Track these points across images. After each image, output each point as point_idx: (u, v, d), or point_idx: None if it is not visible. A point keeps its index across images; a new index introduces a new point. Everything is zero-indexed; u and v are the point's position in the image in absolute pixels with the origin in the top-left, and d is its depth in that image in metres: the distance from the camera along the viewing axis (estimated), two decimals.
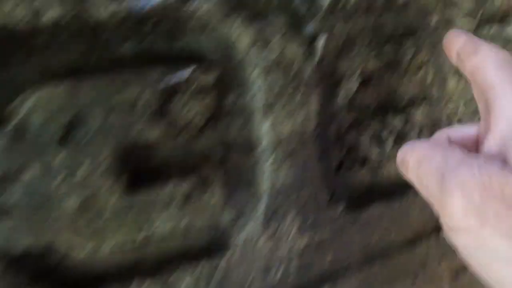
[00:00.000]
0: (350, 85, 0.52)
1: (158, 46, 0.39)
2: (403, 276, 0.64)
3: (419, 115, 0.60)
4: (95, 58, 0.36)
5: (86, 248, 0.41)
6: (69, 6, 0.33)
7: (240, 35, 0.40)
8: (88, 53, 0.36)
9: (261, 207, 0.50)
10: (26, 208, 0.36)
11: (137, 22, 0.36)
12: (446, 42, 0.33)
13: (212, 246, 0.50)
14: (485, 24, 0.59)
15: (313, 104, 0.46)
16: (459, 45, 0.31)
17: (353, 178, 0.57)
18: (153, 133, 0.39)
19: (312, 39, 0.45)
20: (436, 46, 0.58)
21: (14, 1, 0.31)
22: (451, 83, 0.61)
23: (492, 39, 0.61)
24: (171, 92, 0.39)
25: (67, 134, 0.36)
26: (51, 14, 0.33)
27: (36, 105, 0.34)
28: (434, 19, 0.55)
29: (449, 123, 0.63)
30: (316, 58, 0.45)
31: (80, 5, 0.33)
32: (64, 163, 0.36)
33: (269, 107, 0.44)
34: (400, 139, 0.61)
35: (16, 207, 0.36)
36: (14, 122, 0.34)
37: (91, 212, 0.39)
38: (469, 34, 0.32)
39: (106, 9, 0.34)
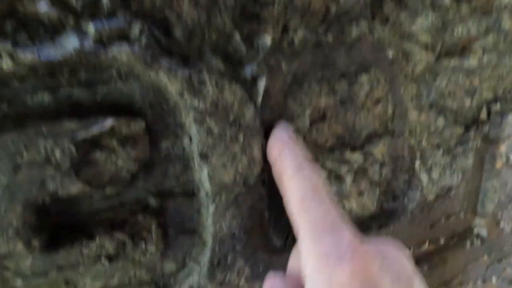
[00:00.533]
0: (301, 124, 0.49)
1: (77, 95, 0.36)
2: None
3: (379, 150, 0.58)
4: (6, 111, 0.33)
5: None
6: None
7: (169, 81, 0.37)
8: None
9: (206, 256, 0.46)
10: None
11: (50, 71, 0.34)
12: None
13: None
14: (445, 56, 0.57)
15: (256, 149, 0.43)
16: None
17: None
18: (74, 187, 0.36)
19: (253, 81, 0.42)
20: (394, 80, 0.56)
21: None
22: (412, 116, 0.59)
23: (453, 71, 0.59)
24: (93, 143, 0.36)
25: None
26: None
27: None
28: (390, 53, 0.53)
29: (412, 157, 0.60)
30: (258, 101, 0.43)
31: None
32: None
33: (206, 154, 0.41)
34: (360, 175, 0.58)
35: None
36: None
37: (4, 280, 0.35)
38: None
39: (11, 59, 0.31)
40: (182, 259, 0.46)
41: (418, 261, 0.64)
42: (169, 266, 0.45)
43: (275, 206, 0.50)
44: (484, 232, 0.70)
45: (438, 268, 0.67)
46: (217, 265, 0.46)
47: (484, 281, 0.74)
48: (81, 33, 0.33)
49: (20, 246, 0.34)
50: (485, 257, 0.72)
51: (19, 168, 0.33)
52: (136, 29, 0.35)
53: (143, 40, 0.35)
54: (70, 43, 0.32)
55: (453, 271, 0.68)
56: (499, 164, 0.65)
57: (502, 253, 0.75)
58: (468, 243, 0.69)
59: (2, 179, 0.33)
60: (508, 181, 0.68)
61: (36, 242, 0.35)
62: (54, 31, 0.32)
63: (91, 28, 0.33)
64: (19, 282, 0.36)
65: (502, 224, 0.72)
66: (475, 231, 0.70)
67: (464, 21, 0.56)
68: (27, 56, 0.32)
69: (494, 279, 0.75)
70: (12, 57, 0.31)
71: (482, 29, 0.58)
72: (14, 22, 0.31)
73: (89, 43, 0.33)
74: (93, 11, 0.33)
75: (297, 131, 0.49)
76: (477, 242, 0.70)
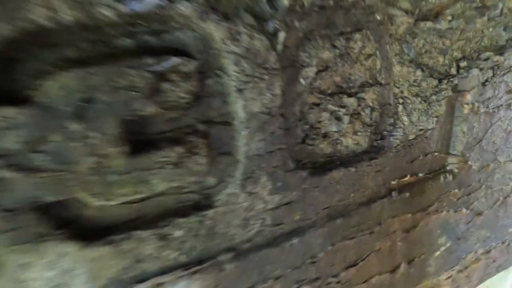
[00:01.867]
0: (309, 73, 0.63)
1: (149, 41, 0.49)
2: (361, 231, 0.76)
3: (370, 96, 0.72)
4: (102, 50, 0.46)
5: (97, 203, 0.51)
6: (80, 8, 0.43)
7: (215, 31, 0.50)
8: (95, 46, 0.46)
9: (238, 172, 0.61)
10: (50, 169, 0.46)
11: (133, 21, 0.47)
12: None
13: (199, 205, 0.60)
14: (422, 20, 0.71)
15: (277, 87, 0.57)
16: None
17: (316, 149, 0.69)
18: (150, 108, 0.50)
19: (275, 34, 0.56)
20: (381, 39, 0.70)
21: (34, 4, 0.41)
22: (396, 69, 0.73)
23: (428, 33, 0.73)
24: (162, 77, 0.50)
25: (80, 110, 0.46)
26: (66, 16, 0.43)
27: (54, 87, 0.44)
28: (378, 16, 0.67)
29: (395, 103, 0.75)
30: (278, 49, 0.56)
31: (89, 7, 0.43)
32: (79, 133, 0.46)
33: (240, 89, 0.54)
34: (355, 117, 0.72)
35: (42, 168, 0.46)
36: (36, 101, 0.44)
37: (102, 173, 0.49)
38: None
39: (110, 11, 0.44)
40: (220, 175, 0.60)
41: (401, 190, 0.80)
42: (210, 180, 0.60)
43: (290, 136, 0.64)
44: (455, 169, 0.86)
45: (417, 197, 0.82)
46: (247, 179, 0.61)
47: (455, 211, 0.90)
48: None
49: (116, 150, 0.48)
50: (456, 191, 0.88)
51: (115, 91, 0.46)
52: None
53: (198, 0, 0.48)
54: (150, 1, 0.45)
55: (429, 200, 0.84)
56: (466, 110, 0.80)
57: (470, 188, 0.91)
58: (442, 178, 0.85)
59: (104, 98, 0.46)
60: (474, 126, 0.84)
61: (126, 149, 0.49)
62: None
63: None
64: (114, 177, 0.49)
65: (470, 163, 0.87)
66: (448, 168, 0.85)
67: None
68: (121, 7, 0.45)
69: (464, 210, 0.91)
70: (112, 7, 0.44)
71: None
72: None
73: (162, 1, 0.46)
74: None
75: (307, 78, 0.63)
76: (449, 177, 0.86)
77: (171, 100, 0.52)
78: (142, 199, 0.54)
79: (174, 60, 0.50)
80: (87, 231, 0.52)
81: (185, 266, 0.59)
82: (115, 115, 0.48)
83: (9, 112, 0.42)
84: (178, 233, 0.57)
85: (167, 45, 0.50)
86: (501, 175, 0.94)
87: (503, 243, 1.05)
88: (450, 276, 0.96)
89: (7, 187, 0.45)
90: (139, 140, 0.52)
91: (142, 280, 0.57)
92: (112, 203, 0.51)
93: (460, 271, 0.98)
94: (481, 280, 1.07)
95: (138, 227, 0.54)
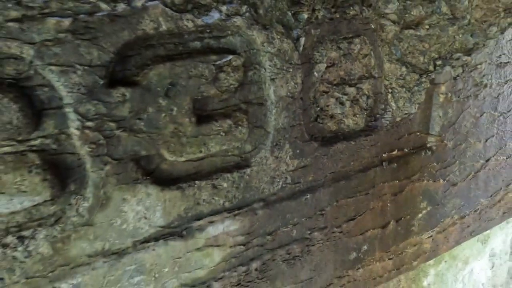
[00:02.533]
0: (321, 67, 0.84)
1: (211, 43, 0.70)
2: (359, 192, 0.97)
3: (366, 87, 0.93)
4: (181, 50, 0.67)
5: (172, 158, 0.71)
6: (172, 22, 0.63)
7: (257, 37, 0.71)
8: (177, 47, 0.67)
9: (268, 141, 0.81)
10: (146, 131, 0.66)
11: (201, 30, 0.67)
12: None
13: (239, 164, 0.81)
14: (406, 28, 0.93)
15: (298, 78, 0.78)
16: None
17: (325, 126, 0.90)
18: (212, 90, 0.70)
19: (297, 39, 0.76)
20: (375, 43, 0.91)
21: (146, 19, 0.61)
22: (386, 66, 0.94)
23: (411, 38, 0.94)
24: (220, 69, 0.70)
25: (168, 91, 0.66)
26: (163, 26, 0.63)
27: (152, 74, 0.65)
28: (372, 25, 0.88)
29: (386, 92, 0.96)
30: (300, 50, 0.77)
31: (179, 21, 0.64)
32: (166, 107, 0.67)
33: (273, 78, 0.75)
34: (354, 102, 0.93)
35: (141, 130, 0.66)
36: (141, 84, 0.64)
37: (178, 136, 0.69)
38: None
39: (191, 23, 0.65)
40: (255, 143, 0.80)
41: (390, 161, 1.01)
42: (248, 147, 0.80)
43: (306, 115, 0.85)
44: (433, 147, 1.07)
45: (403, 167, 1.03)
46: (275, 146, 0.81)
47: (434, 181, 1.11)
48: (219, 11, 0.66)
49: (188, 120, 0.68)
50: (435, 164, 1.10)
51: (190, 78, 0.67)
52: (243, 9, 0.68)
53: (246, 15, 0.69)
54: (215, 15, 0.66)
55: (413, 170, 1.05)
56: (441, 98, 1.01)
57: (446, 163, 1.12)
58: (423, 153, 1.06)
59: (183, 83, 0.66)
60: (448, 111, 1.05)
61: (194, 119, 0.69)
62: (208, 9, 0.66)
63: (224, 8, 0.66)
64: (185, 140, 0.70)
65: (446, 142, 1.09)
66: (428, 145, 1.07)
67: (417, 7, 0.91)
68: (198, 21, 0.65)
69: (441, 180, 1.13)
70: (192, 20, 0.64)
71: (429, 11, 0.94)
72: (193, 5, 0.64)
73: (223, 16, 0.67)
74: (224, 0, 0.67)
75: (319, 71, 0.84)
76: (429, 153, 1.07)
77: (225, 86, 0.72)
78: (200, 158, 0.75)
79: (228, 57, 0.70)
80: (164, 179, 0.72)
81: (229, 210, 0.80)
82: (189, 95, 0.68)
83: (124, 91, 0.63)
84: (225, 184, 0.77)
85: (223, 46, 0.71)
86: (471, 153, 1.16)
87: (475, 211, 1.27)
88: (431, 236, 1.18)
89: (118, 143, 0.65)
90: (202, 114, 0.72)
91: (199, 218, 0.77)
92: (182, 159, 0.72)
93: (439, 232, 1.19)
94: (457, 242, 1.29)
95: (198, 179, 0.75)
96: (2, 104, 0.55)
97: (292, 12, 0.75)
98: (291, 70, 0.77)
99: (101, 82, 0.61)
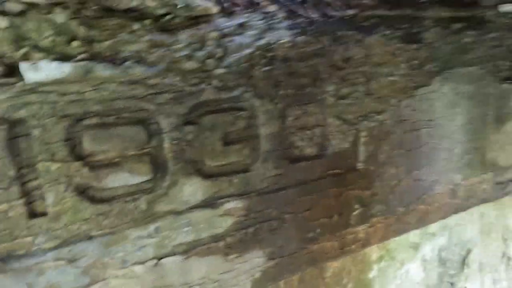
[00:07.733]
0: (290, 119, 1.52)
1: None
2: (313, 192, 1.59)
3: (317, 131, 1.61)
4: None
5: (211, 164, 1.34)
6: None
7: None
8: None
9: (261, 158, 1.45)
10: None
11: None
12: None
13: (245, 169, 1.43)
14: (339, 99, 1.64)
15: (277, 124, 1.45)
16: None
17: (293, 152, 1.55)
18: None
19: (276, 104, 1.45)
20: (322, 106, 1.60)
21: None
22: (329, 120, 1.63)
23: (341, 104, 1.65)
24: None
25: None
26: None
27: None
28: (320, 97, 1.58)
29: (329, 135, 1.64)
30: (278, 110, 1.45)
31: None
32: None
33: (263, 124, 1.42)
34: (310, 139, 1.60)
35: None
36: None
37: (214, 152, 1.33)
38: None
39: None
40: (253, 158, 1.44)
41: (333, 176, 1.65)
42: (249, 160, 1.44)
43: (281, 145, 1.51)
44: (361, 169, 1.73)
45: (341, 180, 1.68)
46: (264, 161, 1.45)
47: (362, 191, 1.76)
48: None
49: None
50: (362, 180, 1.75)
51: None
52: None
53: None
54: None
55: (348, 183, 1.70)
56: (363, 139, 1.70)
57: (371, 180, 1.78)
58: (354, 173, 1.71)
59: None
60: (369, 147, 1.73)
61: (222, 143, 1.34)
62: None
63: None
64: None
65: (369, 167, 1.75)
66: (357, 168, 1.73)
67: (347, 87, 1.63)
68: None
69: (367, 192, 1.77)
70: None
71: (353, 90, 1.65)
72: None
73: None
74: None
75: (289, 120, 1.51)
76: (358, 173, 1.73)
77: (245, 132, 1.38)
78: (225, 164, 1.38)
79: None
80: (204, 173, 1.34)
81: (237, 195, 1.40)
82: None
83: None
84: (235, 180, 1.39)
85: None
86: (387, 175, 1.82)
87: (394, 215, 1.90)
88: (364, 229, 1.79)
89: (188, 152, 1.28)
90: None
91: (221, 198, 1.37)
92: (217, 164, 1.35)
93: (370, 227, 1.80)
94: (385, 237, 1.89)
95: (221, 176, 1.36)
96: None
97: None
98: (273, 120, 1.44)
99: None
